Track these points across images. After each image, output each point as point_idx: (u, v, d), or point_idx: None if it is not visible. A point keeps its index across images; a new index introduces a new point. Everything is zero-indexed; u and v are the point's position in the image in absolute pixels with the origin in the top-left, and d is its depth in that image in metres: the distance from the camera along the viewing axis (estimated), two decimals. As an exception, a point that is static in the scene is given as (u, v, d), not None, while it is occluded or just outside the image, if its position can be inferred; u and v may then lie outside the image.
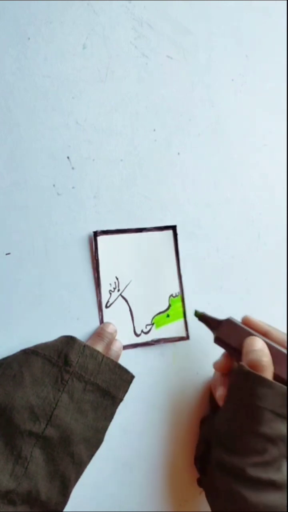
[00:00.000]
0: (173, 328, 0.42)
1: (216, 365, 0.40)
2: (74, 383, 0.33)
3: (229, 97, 0.47)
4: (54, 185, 0.39)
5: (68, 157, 0.40)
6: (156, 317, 0.42)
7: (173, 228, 0.43)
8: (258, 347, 0.36)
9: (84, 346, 0.35)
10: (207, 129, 0.46)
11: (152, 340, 0.42)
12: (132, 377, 0.36)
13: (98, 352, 0.35)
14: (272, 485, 0.33)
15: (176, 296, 0.43)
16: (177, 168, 0.44)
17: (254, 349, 0.36)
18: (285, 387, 0.34)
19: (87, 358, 0.34)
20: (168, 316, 0.42)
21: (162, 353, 0.42)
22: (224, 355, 0.40)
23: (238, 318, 0.39)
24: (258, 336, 0.37)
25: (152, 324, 0.42)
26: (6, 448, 0.31)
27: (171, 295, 0.43)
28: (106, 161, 0.41)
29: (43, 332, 0.37)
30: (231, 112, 0.47)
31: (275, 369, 0.35)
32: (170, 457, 0.42)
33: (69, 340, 0.35)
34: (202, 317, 0.41)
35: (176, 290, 0.43)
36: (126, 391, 0.36)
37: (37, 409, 0.32)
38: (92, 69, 0.41)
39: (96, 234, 0.40)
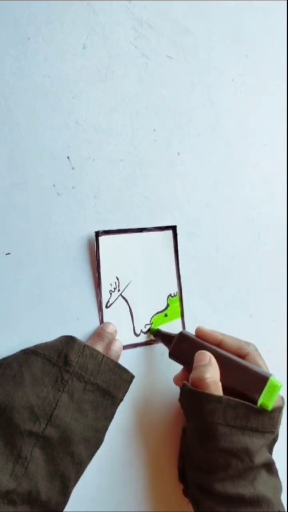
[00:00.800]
0: (171, 328, 0.42)
1: (174, 379, 0.40)
2: (74, 383, 0.33)
3: (229, 97, 0.47)
4: (54, 185, 0.39)
5: (68, 157, 0.40)
6: (154, 316, 0.42)
7: (173, 228, 0.43)
8: (204, 362, 0.35)
9: (84, 346, 0.35)
10: (207, 129, 0.46)
11: (151, 340, 0.42)
12: (132, 377, 0.36)
13: (98, 352, 0.35)
14: (242, 499, 0.33)
15: (174, 296, 0.43)
16: (177, 168, 0.44)
17: (199, 365, 0.35)
18: (234, 399, 0.33)
19: (87, 358, 0.34)
20: (166, 315, 0.42)
21: (162, 353, 0.42)
22: (182, 369, 0.40)
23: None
24: (210, 348, 0.37)
25: (151, 323, 0.42)
26: (6, 448, 0.31)
27: (170, 295, 0.43)
28: (106, 161, 0.41)
29: (43, 332, 0.37)
30: (231, 112, 0.47)
31: (227, 380, 0.35)
32: (170, 457, 0.42)
33: (69, 340, 0.35)
34: (157, 333, 0.41)
35: (175, 289, 0.43)
36: (126, 391, 0.36)
37: (37, 409, 0.32)
38: (92, 69, 0.41)
39: (97, 234, 0.40)
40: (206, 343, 0.38)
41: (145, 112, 0.43)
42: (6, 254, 0.37)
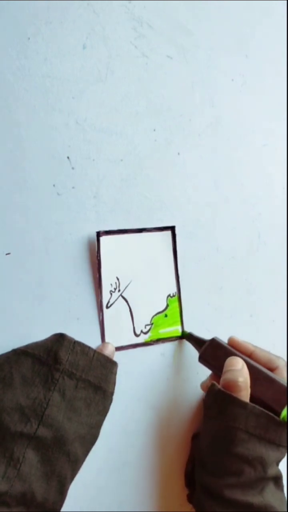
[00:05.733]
0: (171, 328, 0.42)
1: (202, 386, 0.40)
2: (65, 381, 0.33)
3: (229, 97, 0.47)
4: (54, 185, 0.39)
5: (68, 157, 0.40)
6: (155, 317, 0.42)
7: (172, 228, 0.43)
8: (237, 367, 0.35)
9: (74, 342, 0.34)
10: (207, 129, 0.46)
11: (151, 340, 0.42)
12: (117, 365, 0.36)
13: (89, 348, 0.35)
14: (250, 508, 0.33)
15: (174, 296, 0.43)
16: (177, 168, 0.44)
17: (231, 369, 0.35)
18: (259, 408, 0.34)
19: (77, 355, 0.34)
20: (166, 316, 0.42)
21: (163, 353, 0.42)
22: (210, 375, 0.40)
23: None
24: (241, 357, 0.37)
25: (151, 324, 0.42)
26: None
27: (169, 295, 0.43)
28: (106, 161, 0.41)
29: (43, 332, 0.37)
30: (231, 112, 0.47)
31: (254, 390, 0.35)
32: (170, 457, 0.42)
33: (58, 338, 0.35)
34: (189, 337, 0.41)
35: (174, 290, 0.43)
36: (115, 382, 0.36)
37: (27, 410, 0.32)
38: (92, 69, 0.41)
39: (99, 234, 0.40)
40: (237, 352, 0.38)
41: (145, 112, 0.43)
42: (6, 254, 0.37)
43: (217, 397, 0.35)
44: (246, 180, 0.47)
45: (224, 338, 0.40)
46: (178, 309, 0.43)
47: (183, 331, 0.42)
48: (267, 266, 0.47)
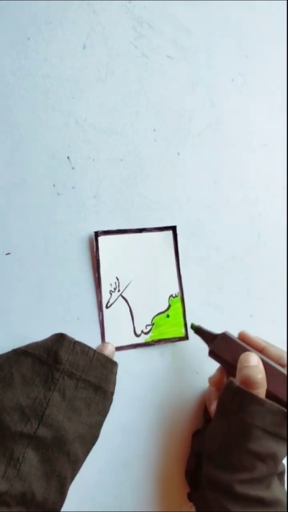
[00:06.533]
0: (173, 329, 0.42)
1: (211, 380, 0.40)
2: (65, 381, 0.33)
3: (229, 97, 0.47)
4: (54, 185, 0.39)
5: (68, 157, 0.40)
6: (156, 317, 0.42)
7: (173, 228, 0.43)
8: (253, 363, 0.35)
9: (75, 342, 0.34)
10: (207, 129, 0.46)
11: (152, 340, 0.42)
12: (117, 365, 0.36)
13: (89, 348, 0.35)
14: (261, 502, 0.33)
15: (176, 296, 0.43)
16: (177, 168, 0.44)
17: (248, 365, 0.35)
18: (276, 405, 0.34)
19: (77, 354, 0.34)
20: (168, 316, 0.42)
21: (162, 353, 0.42)
22: (219, 369, 0.40)
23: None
24: (254, 352, 0.37)
25: (152, 324, 0.42)
26: None
27: (171, 296, 0.43)
28: (106, 161, 0.41)
29: (43, 332, 0.37)
30: (231, 112, 0.47)
31: (269, 386, 0.35)
32: (171, 457, 0.42)
33: (59, 338, 0.35)
34: (198, 330, 0.41)
35: (176, 290, 0.43)
36: (115, 382, 0.36)
37: (27, 409, 0.32)
38: (92, 69, 0.41)
39: (97, 234, 0.40)
40: (249, 347, 0.38)
41: (145, 112, 0.43)
42: (6, 254, 0.37)
43: (235, 394, 0.34)
44: (246, 180, 0.47)
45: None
46: (181, 310, 0.43)
47: (192, 324, 0.41)
48: (267, 266, 0.47)
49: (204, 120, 0.45)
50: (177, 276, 0.43)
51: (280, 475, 0.36)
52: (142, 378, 0.41)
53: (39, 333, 0.37)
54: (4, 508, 0.30)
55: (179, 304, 0.43)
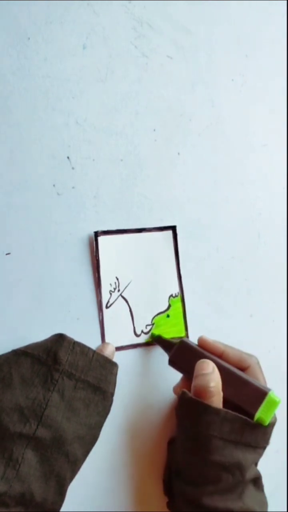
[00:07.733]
0: (173, 328, 0.42)
1: (174, 389, 0.39)
2: (65, 381, 0.33)
3: (229, 97, 0.47)
4: (54, 185, 0.39)
5: (68, 157, 0.40)
6: (156, 317, 0.42)
7: (173, 228, 0.43)
8: (207, 370, 0.34)
9: (74, 343, 0.34)
10: (207, 129, 0.46)
11: (152, 340, 0.42)
12: (118, 367, 0.36)
13: (88, 348, 0.35)
14: None
15: (176, 296, 0.43)
16: (177, 168, 0.44)
17: (202, 373, 0.34)
18: (231, 412, 0.33)
19: (77, 355, 0.34)
20: (168, 316, 0.42)
21: (162, 353, 0.42)
22: (182, 378, 0.39)
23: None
24: (211, 358, 0.36)
25: (152, 324, 0.42)
26: None
27: (171, 295, 0.43)
28: (106, 161, 0.41)
29: (43, 332, 0.37)
30: (231, 112, 0.47)
31: (227, 393, 0.34)
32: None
33: (58, 338, 0.34)
34: (158, 339, 0.40)
35: (176, 290, 0.43)
36: (115, 383, 0.36)
37: (26, 410, 0.32)
38: (92, 69, 0.41)
39: (97, 234, 0.40)
40: (207, 353, 0.37)
41: (145, 112, 0.43)
42: (6, 254, 0.37)
43: (188, 405, 0.34)
44: (246, 180, 0.47)
45: (224, 339, 0.40)
46: (181, 310, 0.43)
47: (152, 333, 0.41)
48: (267, 266, 0.47)
49: (204, 120, 0.45)
50: (177, 276, 0.43)
51: (255, 481, 0.35)
52: (142, 378, 0.41)
53: (39, 334, 0.37)
54: (3, 509, 0.30)
55: (179, 304, 0.43)
